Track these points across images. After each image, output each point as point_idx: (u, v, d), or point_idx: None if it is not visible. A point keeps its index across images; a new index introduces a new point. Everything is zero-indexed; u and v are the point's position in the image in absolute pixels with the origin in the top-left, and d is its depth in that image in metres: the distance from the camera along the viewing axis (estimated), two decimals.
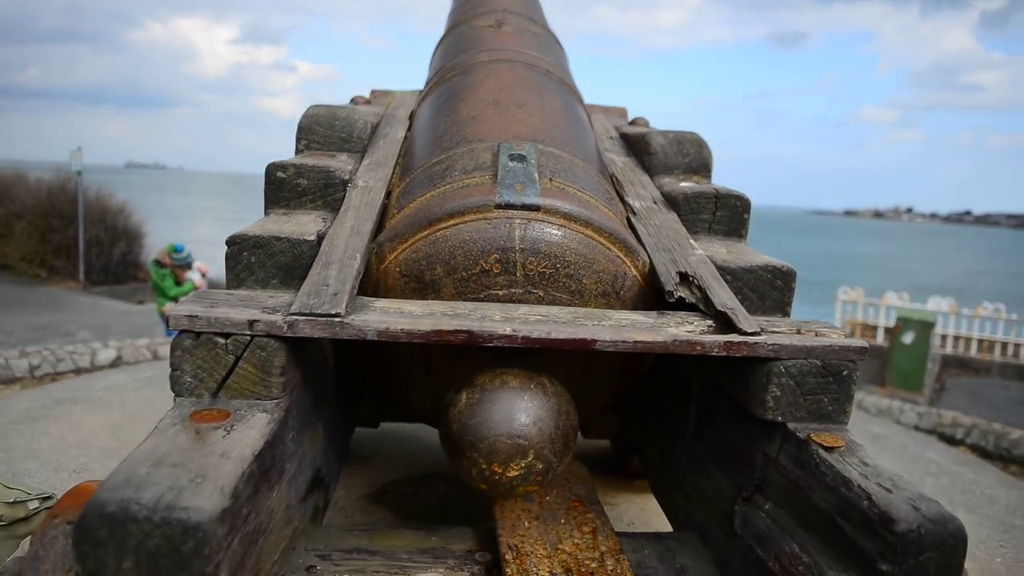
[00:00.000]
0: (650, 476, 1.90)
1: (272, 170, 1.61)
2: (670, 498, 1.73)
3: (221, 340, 1.18)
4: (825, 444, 1.22)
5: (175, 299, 6.49)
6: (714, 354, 1.27)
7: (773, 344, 1.27)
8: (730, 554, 1.39)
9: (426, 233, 1.42)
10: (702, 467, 1.56)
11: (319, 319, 1.19)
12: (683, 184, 1.84)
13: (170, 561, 0.91)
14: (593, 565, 1.34)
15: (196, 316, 1.17)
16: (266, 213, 1.62)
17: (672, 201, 1.77)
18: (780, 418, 1.29)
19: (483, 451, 1.26)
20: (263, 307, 1.23)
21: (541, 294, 1.40)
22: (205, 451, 1.05)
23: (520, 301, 1.40)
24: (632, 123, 2.36)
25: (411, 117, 2.14)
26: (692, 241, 1.61)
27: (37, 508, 1.80)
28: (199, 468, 1.00)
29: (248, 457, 1.06)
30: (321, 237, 1.43)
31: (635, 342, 1.25)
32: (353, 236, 1.44)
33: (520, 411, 1.27)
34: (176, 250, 6.42)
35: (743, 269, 1.52)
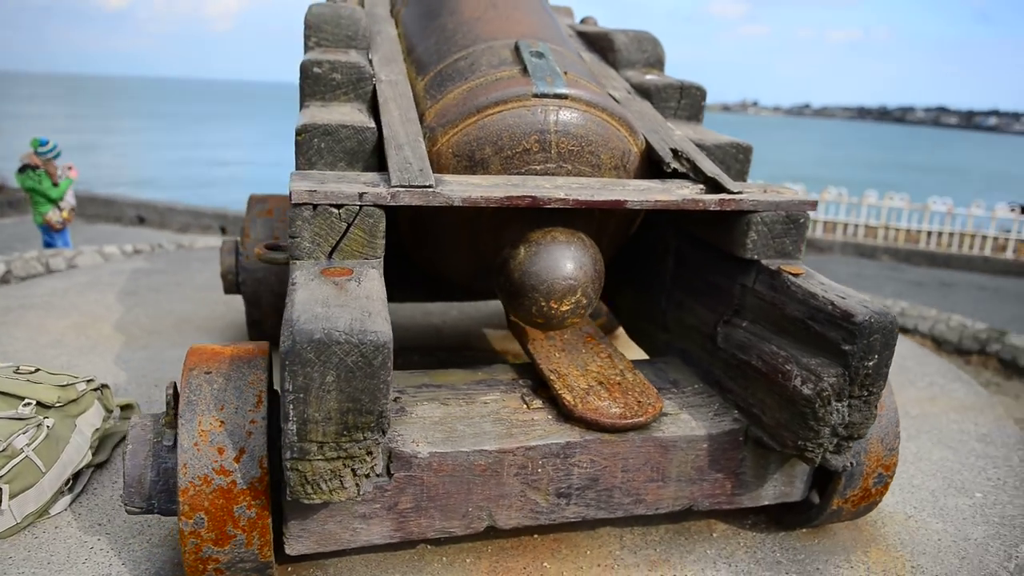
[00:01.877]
0: (625, 321, 2.31)
1: (308, 66, 1.79)
2: (648, 335, 2.14)
3: (335, 210, 1.42)
4: (792, 272, 1.64)
5: (58, 202, 6.18)
6: (711, 209, 1.64)
7: (753, 200, 1.66)
8: (712, 365, 1.82)
9: (475, 119, 1.68)
10: (681, 305, 1.97)
11: (416, 190, 1.45)
12: (648, 77, 2.17)
13: (363, 373, 1.20)
14: (618, 378, 1.73)
15: (315, 191, 1.40)
16: (303, 106, 1.81)
17: (643, 92, 2.10)
18: (756, 256, 1.70)
19: (543, 291, 1.59)
20: (362, 182, 1.47)
21: (569, 168, 1.71)
22: (352, 295, 1.31)
23: (553, 174, 1.71)
24: (583, 22, 2.64)
25: (394, 16, 2.32)
26: (669, 124, 1.96)
27: (84, 390, 1.97)
28: (360, 306, 1.27)
29: (384, 299, 1.33)
30: (379, 125, 1.66)
31: (656, 201, 1.60)
32: (406, 123, 1.68)
33: (568, 259, 1.61)
34: (41, 143, 6.06)
35: (715, 145, 1.90)
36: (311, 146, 1.61)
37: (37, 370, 2.02)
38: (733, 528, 1.90)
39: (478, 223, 1.75)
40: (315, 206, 1.41)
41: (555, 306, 1.61)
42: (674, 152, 1.80)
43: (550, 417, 1.63)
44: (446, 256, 1.91)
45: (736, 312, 1.77)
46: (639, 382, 1.72)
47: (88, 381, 2.04)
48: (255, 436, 1.39)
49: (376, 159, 1.66)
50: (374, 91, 1.84)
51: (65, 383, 1.97)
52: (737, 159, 1.91)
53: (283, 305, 2.72)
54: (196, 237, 10.88)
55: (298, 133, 1.60)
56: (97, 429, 2.00)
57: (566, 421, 1.61)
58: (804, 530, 1.91)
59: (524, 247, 1.62)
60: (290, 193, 1.40)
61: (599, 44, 2.37)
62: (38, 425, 1.80)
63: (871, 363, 1.46)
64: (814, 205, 1.71)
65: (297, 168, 1.62)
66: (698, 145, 1.87)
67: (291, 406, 1.19)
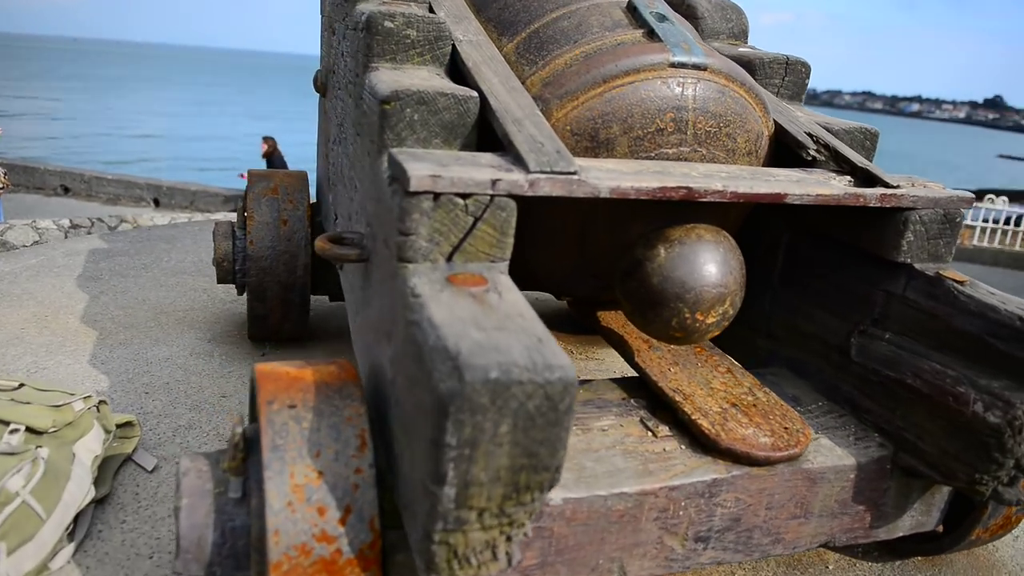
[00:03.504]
0: None
1: (379, 18, 1.46)
2: (741, 340, 1.90)
3: (460, 201, 1.12)
4: (956, 279, 1.42)
5: None
6: (871, 205, 1.40)
7: (913, 196, 1.43)
8: (841, 380, 1.60)
9: (600, 90, 1.39)
10: (795, 309, 1.73)
11: (558, 177, 1.16)
12: (742, 49, 1.91)
13: (546, 420, 0.91)
14: (750, 399, 1.49)
15: (438, 176, 1.09)
16: (368, 67, 1.48)
17: (746, 66, 1.84)
18: (909, 260, 1.47)
19: (689, 301, 1.32)
20: (489, 166, 1.17)
21: (704, 152, 1.44)
22: (503, 314, 1.02)
23: (686, 159, 1.44)
24: None
25: None
26: (787, 104, 1.71)
27: (81, 410, 1.62)
28: (524, 330, 0.98)
29: (536, 317, 1.05)
30: (482, 94, 1.35)
31: (817, 195, 1.35)
32: (513, 93, 1.38)
33: (718, 262, 1.35)
34: None
35: (844, 130, 1.66)
36: (402, 117, 1.29)
37: (21, 385, 1.65)
38: (846, 560, 1.70)
39: (592, 216, 1.46)
40: (436, 195, 1.11)
41: (701, 318, 1.35)
42: (811, 137, 1.55)
43: (684, 448, 1.37)
44: (539, 253, 1.62)
45: (875, 322, 1.55)
46: (775, 403, 1.48)
47: (86, 398, 1.67)
48: (363, 490, 1.09)
49: (476, 136, 1.35)
50: (453, 54, 1.52)
51: (60, 403, 1.61)
52: (864, 146, 1.68)
53: (292, 298, 2.40)
54: (126, 209, 10.15)
55: (386, 101, 1.28)
56: (97, 456, 1.65)
57: (706, 453, 1.36)
58: (917, 559, 1.72)
59: (664, 248, 1.35)
60: (407, 178, 1.09)
61: (678, 11, 2.09)
62: (33, 460, 1.44)
63: None
64: (970, 202, 1.49)
65: (386, 145, 1.31)
66: (827, 129, 1.63)
67: (451, 465, 0.90)
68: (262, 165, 10.53)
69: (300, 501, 1.05)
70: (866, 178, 1.46)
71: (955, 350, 1.40)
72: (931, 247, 1.49)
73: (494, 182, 1.12)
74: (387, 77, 1.40)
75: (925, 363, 1.42)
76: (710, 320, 1.35)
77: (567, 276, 1.60)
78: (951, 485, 1.40)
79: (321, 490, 1.06)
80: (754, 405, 1.47)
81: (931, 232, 1.47)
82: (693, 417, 1.39)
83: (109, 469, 1.71)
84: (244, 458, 1.15)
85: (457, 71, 1.51)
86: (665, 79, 1.40)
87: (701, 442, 1.37)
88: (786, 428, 1.41)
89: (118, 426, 1.81)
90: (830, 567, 1.67)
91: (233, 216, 5.59)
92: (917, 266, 1.48)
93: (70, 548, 1.48)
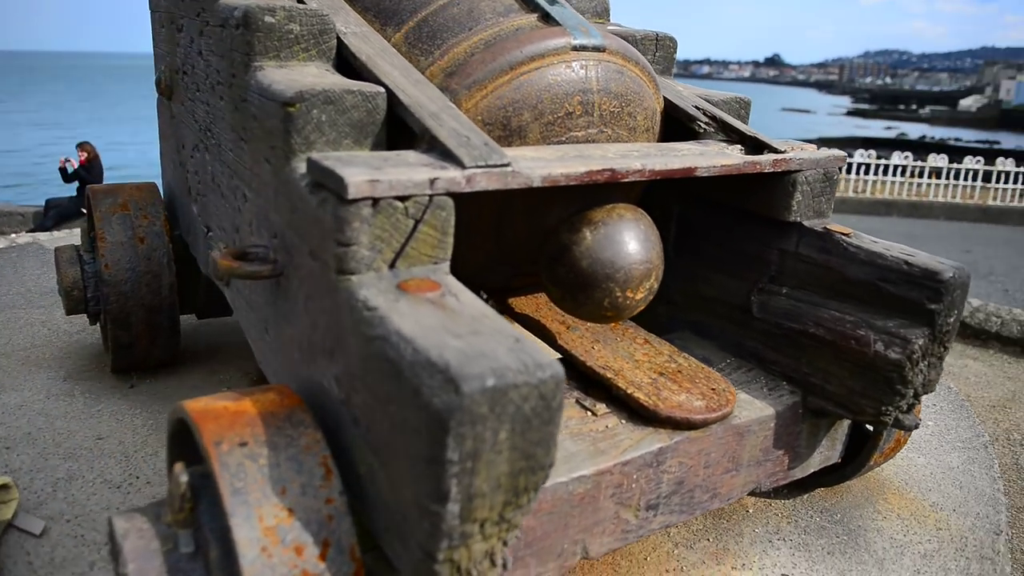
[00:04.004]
0: None
1: (258, 14, 1.35)
2: (643, 310, 1.97)
3: (400, 204, 1.07)
4: (843, 232, 1.55)
5: None
6: (767, 171, 1.49)
7: (799, 159, 1.54)
8: (744, 337, 1.70)
9: (508, 78, 1.36)
10: (691, 276, 1.82)
11: (494, 171, 1.13)
12: (610, 27, 1.96)
13: (541, 420, 0.90)
14: (674, 366, 1.55)
15: (376, 180, 1.03)
16: (251, 67, 1.37)
17: None
18: (798, 218, 1.59)
19: (619, 280, 1.35)
20: (422, 165, 1.12)
21: (609, 133, 1.46)
22: (470, 316, 0.99)
23: (594, 141, 1.45)
24: None
25: None
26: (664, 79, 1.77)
27: None
28: (498, 331, 0.96)
29: (499, 316, 1.02)
30: (388, 89, 1.29)
31: (721, 166, 1.42)
32: (419, 85, 1.33)
33: (641, 239, 1.38)
34: None
35: (722, 101, 1.75)
36: (309, 119, 1.21)
37: None
38: (762, 501, 1.83)
39: (508, 205, 1.44)
40: (376, 200, 1.05)
41: (631, 295, 1.38)
42: (699, 111, 1.62)
43: (624, 422, 1.41)
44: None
45: (772, 279, 1.65)
46: (696, 366, 1.55)
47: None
48: (337, 520, 1.02)
49: (385, 134, 1.29)
50: (339, 48, 1.44)
51: None
52: (739, 114, 1.78)
53: (160, 322, 2.19)
54: None
55: (290, 103, 1.19)
56: None
57: (647, 424, 1.40)
58: (819, 490, 1.88)
59: (589, 230, 1.36)
60: (344, 185, 1.02)
61: None
62: None
63: (952, 319, 1.41)
64: (843, 160, 1.63)
65: (294, 150, 1.22)
66: (707, 100, 1.71)
67: (454, 481, 0.86)
68: (57, 177, 9.51)
69: (274, 544, 0.97)
70: (755, 145, 1.55)
71: (850, 297, 1.52)
72: (816, 205, 1.61)
73: (432, 181, 1.08)
74: (280, 77, 1.30)
75: (824, 312, 1.55)
76: (639, 296, 1.39)
77: (481, 267, 1.58)
78: (859, 419, 1.53)
79: (295, 528, 0.99)
80: (679, 371, 1.53)
81: (815, 191, 1.59)
82: (628, 391, 1.43)
83: None
84: (192, 508, 1.04)
85: (346, 66, 1.43)
86: (569, 63, 1.40)
87: (640, 414, 1.41)
88: (713, 389, 1.48)
89: None
90: (750, 511, 1.79)
91: (56, 238, 5.03)
92: (806, 223, 1.59)
93: None
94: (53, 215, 8.85)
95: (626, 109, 1.48)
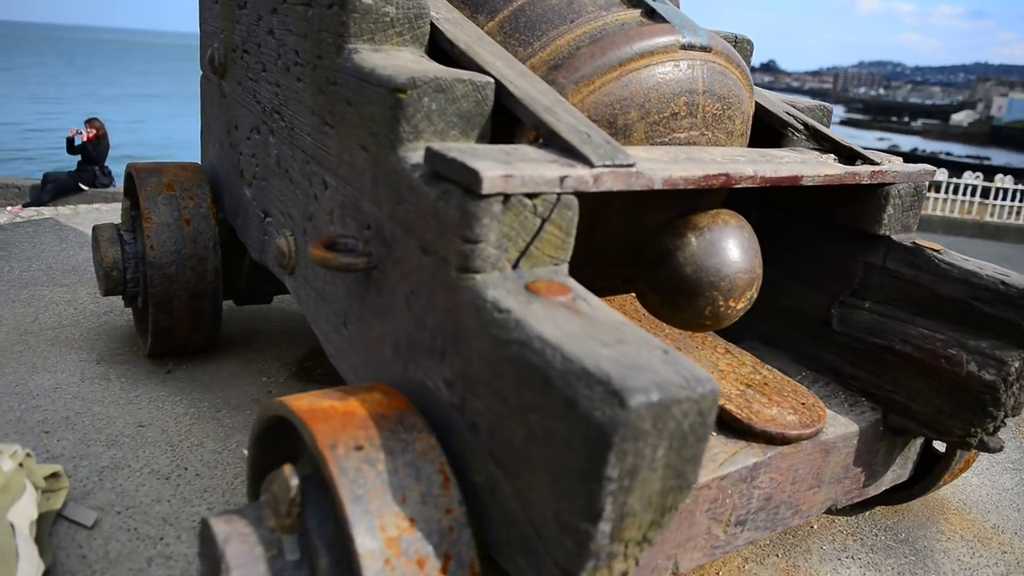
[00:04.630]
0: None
1: None
2: None
3: (529, 202, 1.02)
4: (933, 248, 1.52)
5: None
6: (864, 183, 1.45)
7: (894, 171, 1.50)
8: (822, 350, 1.66)
9: (617, 74, 1.31)
10: (767, 284, 1.77)
11: (619, 171, 1.09)
12: None
13: (695, 436, 0.86)
14: (757, 377, 1.51)
15: (510, 176, 0.98)
16: (345, 50, 1.32)
17: None
18: (888, 232, 1.55)
19: (724, 288, 1.30)
20: (548, 162, 1.07)
21: (710, 136, 1.42)
22: (607, 325, 0.94)
23: (695, 143, 1.40)
24: None
25: None
26: None
27: (11, 469, 1.37)
28: (642, 340, 0.91)
29: (633, 323, 0.98)
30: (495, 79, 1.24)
31: (825, 176, 1.38)
32: (527, 78, 1.27)
33: (745, 247, 1.33)
34: None
35: (807, 108, 1.71)
36: (420, 107, 1.16)
37: None
38: (826, 518, 1.80)
39: (605, 206, 1.40)
40: (507, 197, 1.00)
41: (733, 305, 1.33)
42: (792, 117, 1.58)
43: (716, 435, 1.37)
44: None
45: (855, 292, 1.62)
46: (782, 379, 1.52)
47: (12, 454, 1.38)
48: (457, 531, 0.97)
49: (490, 126, 1.24)
50: (433, 34, 1.39)
51: None
52: (822, 122, 1.75)
53: (203, 307, 2.13)
54: None
55: (401, 89, 1.14)
56: (33, 520, 1.38)
57: (740, 437, 1.36)
58: (879, 508, 1.86)
59: (694, 236, 1.32)
60: (480, 179, 0.97)
61: None
62: None
63: None
64: (933, 174, 1.59)
65: (399, 141, 1.16)
66: (793, 106, 1.67)
67: (609, 499, 0.82)
68: (60, 154, 9.36)
69: (397, 556, 0.92)
70: (848, 155, 1.51)
71: (940, 315, 1.49)
72: (904, 219, 1.57)
73: (562, 179, 1.03)
74: (381, 61, 1.25)
75: (912, 329, 1.51)
76: (740, 306, 1.35)
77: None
78: (942, 440, 1.50)
79: (416, 540, 0.94)
80: (765, 383, 1.49)
81: (905, 204, 1.56)
82: (720, 403, 1.39)
83: (44, 533, 1.43)
84: (300, 512, 0.99)
85: (438, 53, 1.37)
86: (677, 61, 1.36)
87: (733, 427, 1.37)
88: (803, 404, 1.44)
89: (45, 478, 1.52)
90: (815, 527, 1.75)
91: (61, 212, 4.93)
92: (894, 237, 1.56)
93: None
94: (50, 189, 8.69)
95: (727, 112, 1.43)
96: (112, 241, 2.14)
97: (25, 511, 1.36)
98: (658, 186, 1.14)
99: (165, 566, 1.46)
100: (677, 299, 1.34)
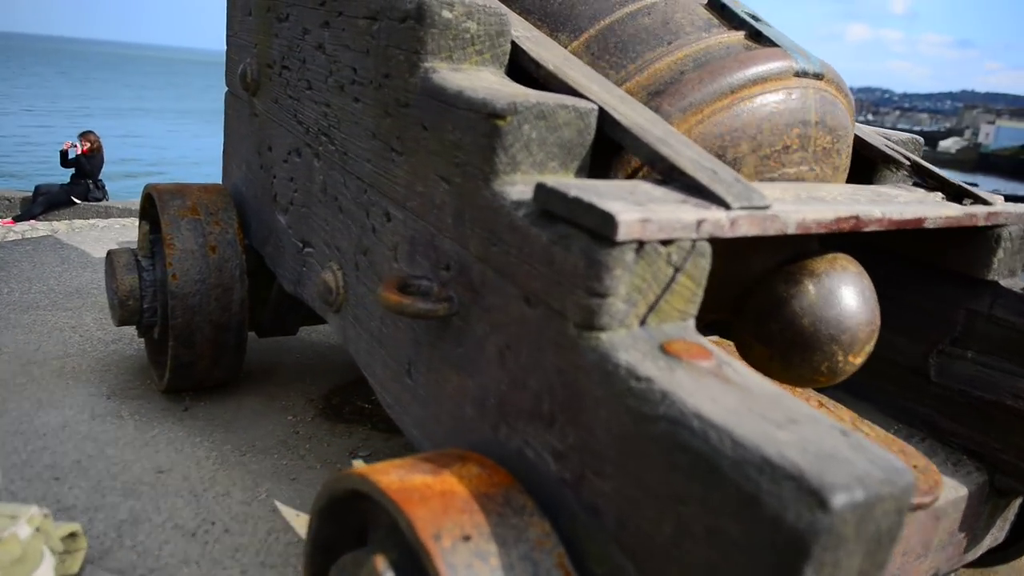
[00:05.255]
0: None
1: (435, 7, 1.16)
2: None
3: (663, 249, 0.88)
4: None
5: None
6: (979, 224, 1.33)
7: (1007, 212, 1.38)
8: (916, 403, 1.53)
9: (727, 102, 1.18)
10: None
11: (756, 214, 0.95)
12: None
13: (890, 537, 0.71)
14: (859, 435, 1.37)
15: (648, 220, 0.84)
16: (417, 67, 1.18)
17: None
18: (996, 277, 1.42)
19: (845, 342, 1.16)
20: (680, 202, 0.93)
21: (818, 171, 1.29)
22: (767, 399, 0.80)
23: (803, 178, 1.27)
24: None
25: None
26: None
27: (27, 536, 1.21)
28: (812, 417, 0.77)
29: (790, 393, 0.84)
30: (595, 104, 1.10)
31: (946, 217, 1.25)
32: (629, 103, 1.14)
33: (866, 296, 1.20)
34: None
35: (901, 141, 1.58)
36: (519, 136, 1.02)
37: None
38: None
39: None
40: (641, 244, 0.86)
41: (852, 360, 1.20)
42: (896, 152, 1.45)
43: None
44: None
45: (955, 341, 1.49)
46: (886, 437, 1.38)
47: (30, 519, 1.22)
48: None
49: (590, 158, 1.11)
50: (513, 54, 1.25)
51: (1, 533, 1.15)
52: (915, 154, 1.62)
53: (227, 340, 1.97)
54: None
55: (500, 116, 1.00)
56: None
57: None
58: (963, 569, 1.72)
59: (812, 283, 1.18)
60: (615, 223, 0.83)
61: None
62: None
63: None
64: None
65: (492, 173, 1.02)
66: (887, 139, 1.55)
67: None
68: (51, 168, 9.15)
69: None
70: (956, 193, 1.39)
71: None
72: (1011, 263, 1.45)
73: (699, 224, 0.89)
74: (467, 82, 1.11)
75: (1020, 383, 1.38)
76: (859, 361, 1.21)
77: None
78: None
79: None
80: (865, 435, 1.35)
81: (1015, 247, 1.43)
82: None
83: None
84: None
85: (519, 73, 1.24)
86: (791, 90, 1.23)
87: None
88: (915, 467, 1.31)
89: (62, 539, 1.35)
90: None
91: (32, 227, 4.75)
92: (1002, 283, 1.43)
93: None
94: (42, 202, 8.46)
95: (835, 146, 1.31)
96: (129, 268, 1.98)
97: None
98: (791, 230, 1.00)
99: None
100: (791, 353, 1.20)
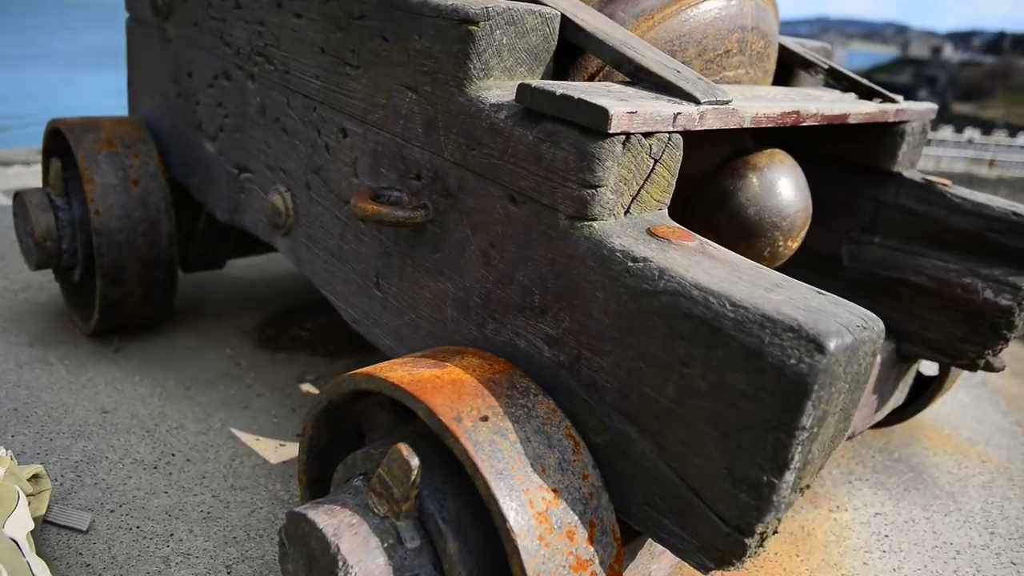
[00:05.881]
0: None
1: None
2: None
3: (645, 141, 0.95)
4: (944, 183, 1.57)
5: None
6: (890, 120, 1.47)
7: (911, 110, 1.53)
8: (831, 286, 1.70)
9: (675, 8, 1.24)
10: None
11: (720, 108, 1.03)
12: None
13: (865, 377, 0.83)
14: None
15: (635, 113, 0.91)
16: None
17: None
18: (900, 169, 1.59)
19: (784, 228, 1.28)
20: (655, 98, 0.99)
21: (752, 74, 1.38)
22: (747, 269, 0.90)
23: (739, 82, 1.36)
24: None
25: None
26: None
27: (1, 476, 1.19)
28: (792, 283, 0.87)
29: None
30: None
31: (865, 114, 1.38)
32: (586, 10, 1.18)
33: (801, 185, 1.32)
34: None
35: (812, 48, 1.70)
36: (492, 42, 1.05)
37: None
38: None
39: None
40: (628, 136, 0.92)
41: (791, 244, 1.32)
42: (815, 57, 1.57)
43: None
44: None
45: (864, 228, 1.65)
46: None
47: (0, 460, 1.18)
48: (597, 496, 0.91)
49: (553, 64, 1.15)
50: None
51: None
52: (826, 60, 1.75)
53: (157, 277, 1.91)
54: None
55: (473, 21, 1.03)
56: (30, 532, 1.19)
57: None
58: (868, 432, 1.95)
59: (755, 176, 1.28)
60: (607, 116, 0.88)
61: None
62: None
63: None
64: (934, 111, 1.64)
65: (464, 79, 1.05)
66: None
67: (798, 449, 0.78)
68: None
69: (549, 531, 0.85)
70: (867, 94, 1.53)
71: (953, 247, 1.55)
72: (913, 156, 1.61)
73: (675, 117, 0.96)
74: None
75: (925, 261, 1.56)
76: (795, 245, 1.34)
77: None
78: (954, 364, 1.58)
79: (562, 510, 0.87)
80: None
81: (915, 142, 1.59)
82: None
83: (38, 543, 1.25)
84: (418, 495, 0.90)
85: None
86: None
87: None
88: None
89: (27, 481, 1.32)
90: None
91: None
92: (905, 174, 1.60)
93: None
94: None
95: (767, 50, 1.40)
96: (43, 207, 1.87)
97: (22, 522, 1.18)
98: (747, 124, 1.09)
99: (186, 564, 1.31)
100: (737, 241, 1.31)
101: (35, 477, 1.36)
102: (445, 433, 0.87)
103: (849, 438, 1.86)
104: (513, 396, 0.94)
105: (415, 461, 0.87)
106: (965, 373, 2.30)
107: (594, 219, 0.94)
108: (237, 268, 2.61)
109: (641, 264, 0.88)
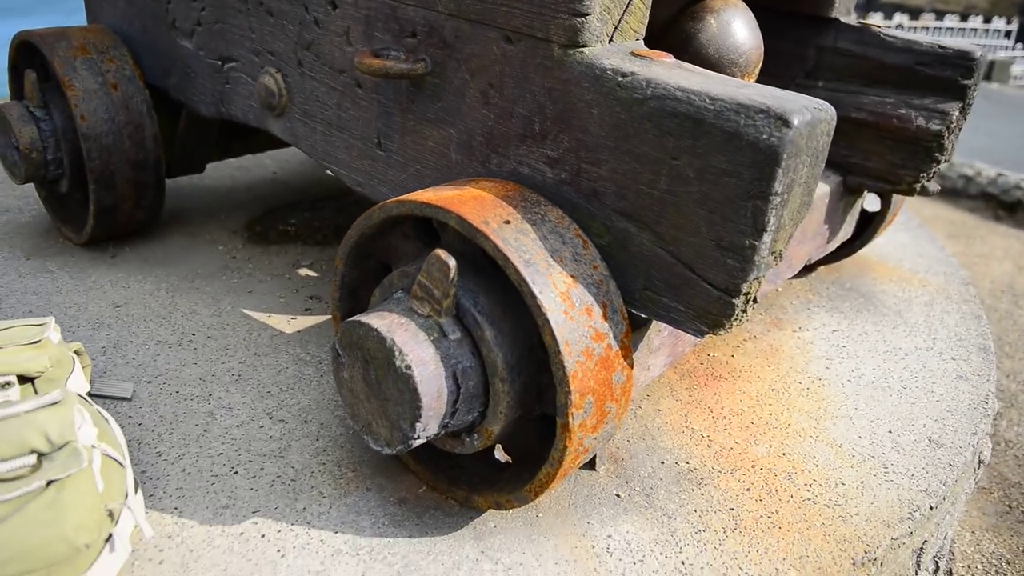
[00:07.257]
0: None
1: None
2: None
3: None
4: (877, 25, 1.72)
5: None
6: None
7: None
8: None
9: None
10: None
11: None
12: None
13: (824, 155, 0.99)
14: None
15: None
16: None
17: None
18: (838, 15, 1.73)
19: (742, 65, 1.42)
20: None
21: None
22: (717, 77, 1.04)
23: None
24: None
25: None
26: None
27: (59, 341, 1.31)
28: (755, 84, 1.02)
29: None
30: None
31: None
32: None
33: (753, 25, 1.45)
34: None
35: None
36: None
37: None
38: (770, 293, 2.07)
39: None
40: None
41: (749, 79, 1.47)
42: None
43: None
44: None
45: (808, 74, 1.81)
46: None
47: (38, 325, 1.28)
48: (606, 283, 1.07)
49: None
50: None
51: (36, 337, 1.23)
52: None
53: (146, 179, 1.97)
54: None
55: None
56: (86, 395, 1.31)
57: None
58: (820, 268, 2.16)
59: (712, 18, 1.41)
60: None
61: None
62: (75, 409, 1.11)
63: (975, 92, 1.65)
64: None
65: None
66: None
67: (773, 213, 0.94)
68: None
69: (571, 307, 1.00)
70: None
71: (888, 83, 1.72)
72: (848, 2, 1.76)
73: None
74: None
75: (864, 98, 1.73)
76: (753, 80, 1.49)
77: None
78: (893, 190, 1.77)
79: (580, 292, 1.03)
80: None
81: None
82: None
83: None
84: (456, 294, 1.04)
85: None
86: None
87: None
88: None
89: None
90: (779, 289, 2.02)
91: None
92: (842, 19, 1.74)
93: (141, 497, 1.20)
94: None
95: None
96: (24, 119, 1.91)
97: (80, 383, 1.29)
98: None
99: (230, 415, 1.45)
100: None
101: (77, 353, 1.46)
102: (476, 234, 1.01)
103: (805, 271, 2.07)
104: (527, 206, 1.08)
105: (452, 261, 1.01)
106: (901, 213, 2.53)
107: (584, 45, 1.06)
108: (210, 179, 2.66)
109: (630, 77, 1.01)
